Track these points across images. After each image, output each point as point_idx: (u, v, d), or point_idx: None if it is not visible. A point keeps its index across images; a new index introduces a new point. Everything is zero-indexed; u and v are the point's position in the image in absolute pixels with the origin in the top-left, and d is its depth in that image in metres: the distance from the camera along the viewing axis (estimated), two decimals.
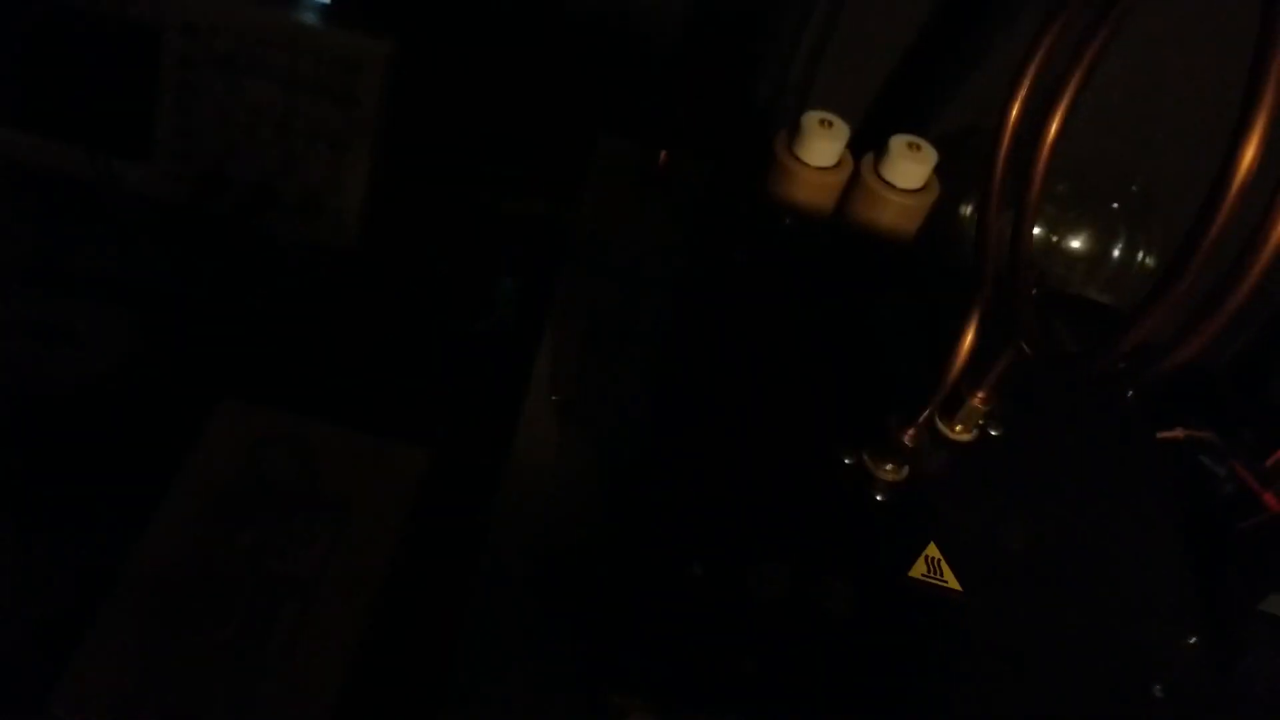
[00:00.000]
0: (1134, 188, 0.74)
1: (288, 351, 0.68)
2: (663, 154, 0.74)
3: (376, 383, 0.68)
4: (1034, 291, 0.41)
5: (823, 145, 0.70)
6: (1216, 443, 0.88)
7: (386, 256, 0.76)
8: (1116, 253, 0.73)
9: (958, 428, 0.44)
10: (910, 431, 0.40)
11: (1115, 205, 0.72)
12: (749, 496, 0.40)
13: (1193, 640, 0.41)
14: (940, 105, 0.86)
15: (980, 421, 0.44)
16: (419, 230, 0.79)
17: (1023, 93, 0.43)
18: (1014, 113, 0.43)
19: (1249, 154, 0.28)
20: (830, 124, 0.70)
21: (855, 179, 0.72)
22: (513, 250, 0.76)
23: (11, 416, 0.61)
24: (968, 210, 0.78)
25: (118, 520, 0.58)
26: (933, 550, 0.40)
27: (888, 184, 0.70)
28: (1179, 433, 0.89)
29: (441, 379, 0.68)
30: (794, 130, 0.71)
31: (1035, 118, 0.45)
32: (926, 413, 0.40)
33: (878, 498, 0.41)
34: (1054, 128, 0.42)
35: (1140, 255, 0.73)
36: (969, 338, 0.39)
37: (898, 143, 0.71)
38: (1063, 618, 0.40)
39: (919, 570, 0.40)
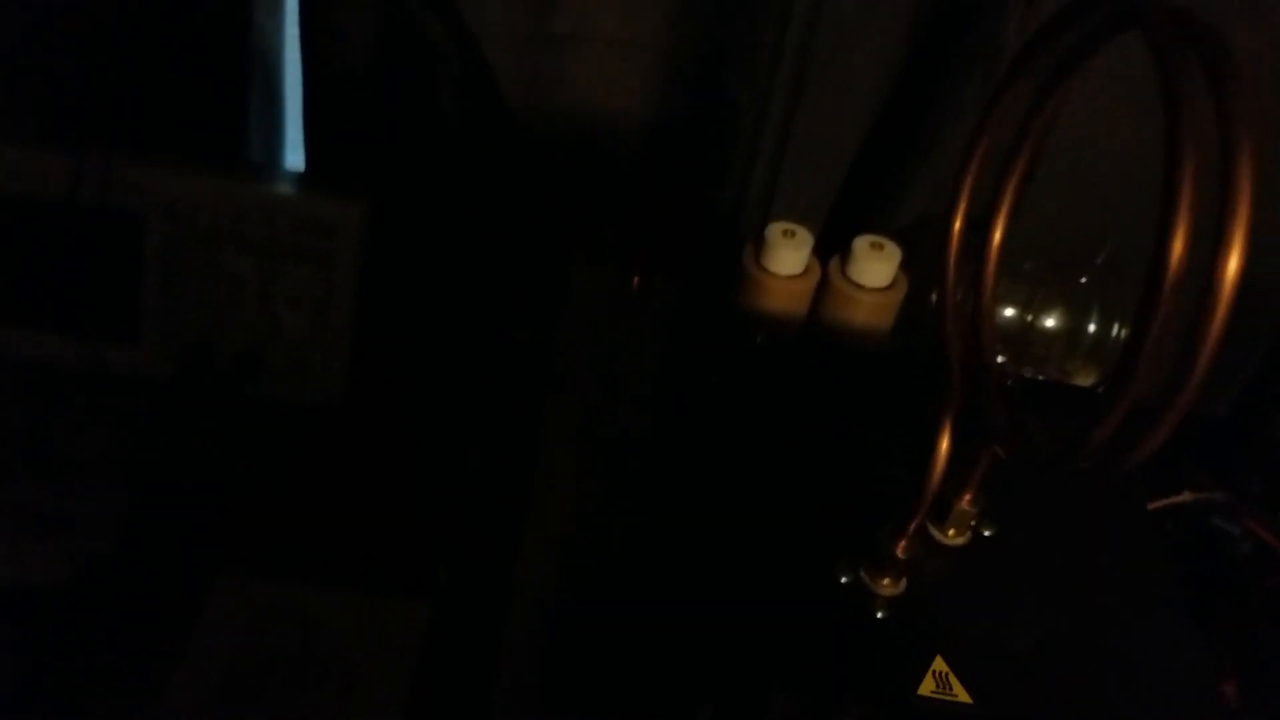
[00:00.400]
0: (1099, 260, 0.75)
1: (282, 514, 0.68)
2: (635, 279, 0.75)
3: (373, 536, 0.68)
4: (1008, 383, 0.41)
5: (788, 255, 0.71)
6: (1226, 502, 0.88)
7: (374, 407, 0.76)
8: (1092, 326, 0.74)
9: (950, 532, 0.44)
10: (902, 542, 0.40)
11: (1084, 279, 0.73)
12: (749, 627, 0.40)
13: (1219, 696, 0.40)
14: (900, 197, 0.88)
15: (972, 523, 0.44)
16: (404, 377, 0.79)
17: (970, 176, 0.43)
18: (963, 200, 0.43)
19: (1177, 250, 0.28)
20: (793, 233, 0.72)
21: (824, 283, 0.73)
22: (497, 382, 0.77)
23: (7, 611, 0.61)
24: (934, 294, 0.78)
25: (122, 710, 0.57)
26: (939, 664, 0.39)
27: (856, 285, 0.71)
28: (1186, 495, 0.88)
29: (437, 522, 0.68)
30: (759, 242, 0.72)
31: (988, 199, 0.46)
32: (915, 522, 0.40)
33: (879, 615, 0.41)
34: (1005, 208, 0.43)
35: (1115, 325, 0.74)
36: (944, 442, 0.39)
37: (861, 243, 0.72)
38: (1078, 714, 0.40)
39: (928, 687, 0.39)
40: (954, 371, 0.40)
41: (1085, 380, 0.87)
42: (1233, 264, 0.27)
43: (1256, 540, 0.86)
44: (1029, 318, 0.75)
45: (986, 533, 0.45)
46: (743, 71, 0.84)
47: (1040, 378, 0.78)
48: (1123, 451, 0.31)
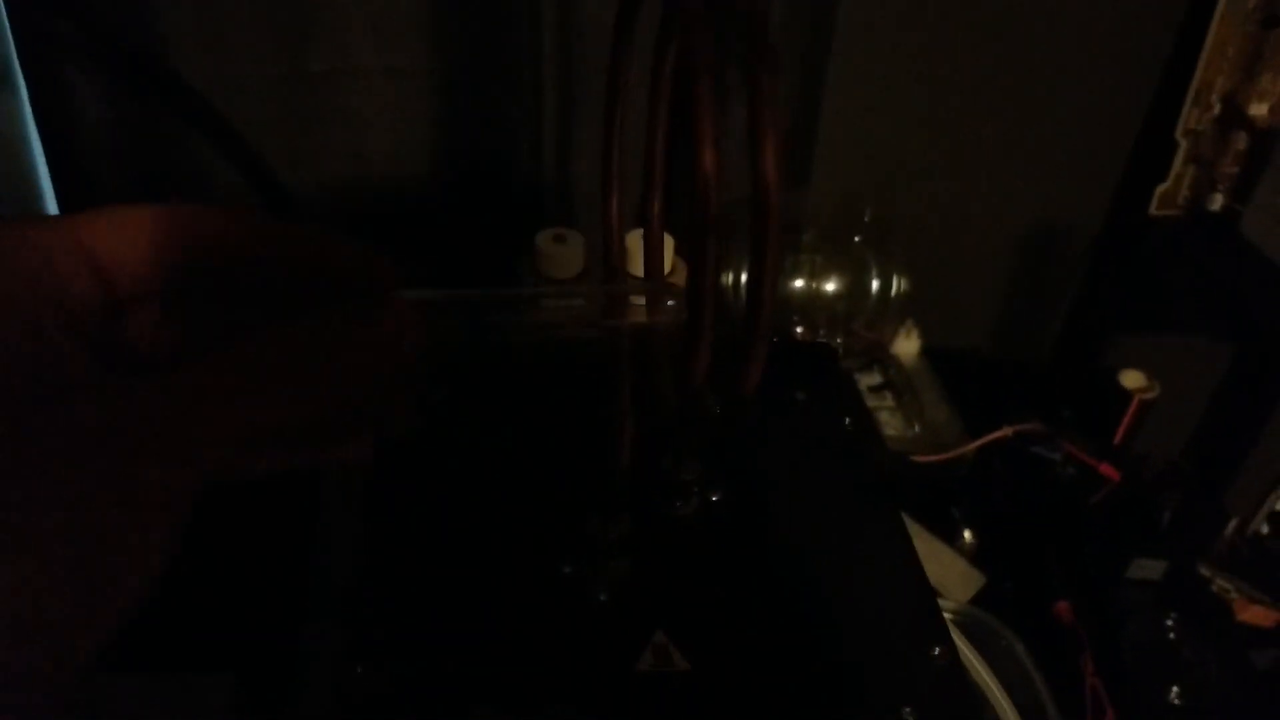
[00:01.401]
0: (865, 217, 0.76)
1: None
2: None
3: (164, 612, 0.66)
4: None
5: (561, 258, 0.72)
6: (1044, 431, 0.90)
7: None
8: (875, 282, 0.75)
9: (676, 504, 0.44)
10: (615, 525, 0.40)
11: (857, 239, 0.75)
12: (470, 641, 0.40)
13: (937, 651, 0.41)
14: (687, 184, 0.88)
15: (696, 490, 0.45)
16: None
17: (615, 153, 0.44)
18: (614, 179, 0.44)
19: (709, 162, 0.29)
20: (564, 238, 0.72)
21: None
22: None
23: None
24: (728, 278, 0.80)
25: None
26: (659, 637, 0.40)
27: (635, 277, 0.72)
28: (1006, 431, 0.91)
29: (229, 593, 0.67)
30: (533, 252, 0.73)
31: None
32: (619, 500, 0.40)
33: (601, 598, 0.41)
34: (657, 175, 0.43)
35: (894, 277, 0.76)
36: (626, 414, 0.39)
37: (633, 238, 0.72)
38: (804, 667, 0.40)
39: (645, 663, 0.39)
40: (622, 345, 0.40)
41: (886, 333, 0.89)
42: (770, 167, 0.28)
43: (1076, 463, 0.89)
44: (814, 285, 0.77)
45: (714, 497, 0.45)
46: (511, 85, 0.84)
47: (839, 340, 0.80)
48: (737, 381, 0.32)
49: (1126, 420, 1.04)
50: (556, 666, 0.39)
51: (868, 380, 0.91)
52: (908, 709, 0.38)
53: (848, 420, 0.51)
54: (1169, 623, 0.77)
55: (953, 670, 0.39)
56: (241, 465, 0.27)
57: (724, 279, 0.81)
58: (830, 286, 0.75)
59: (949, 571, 0.81)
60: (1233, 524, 1.11)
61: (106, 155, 0.78)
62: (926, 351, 0.98)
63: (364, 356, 0.26)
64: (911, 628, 0.41)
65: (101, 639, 0.22)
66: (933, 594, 0.43)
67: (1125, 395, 1.03)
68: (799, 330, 0.77)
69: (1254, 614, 0.98)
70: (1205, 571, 1.01)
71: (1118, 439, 1.03)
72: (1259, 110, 0.98)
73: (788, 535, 0.45)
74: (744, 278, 0.82)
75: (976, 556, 0.83)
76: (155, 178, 0.81)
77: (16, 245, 0.24)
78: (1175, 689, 0.73)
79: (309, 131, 0.84)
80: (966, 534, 0.84)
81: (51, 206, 0.80)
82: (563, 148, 0.87)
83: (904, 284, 0.76)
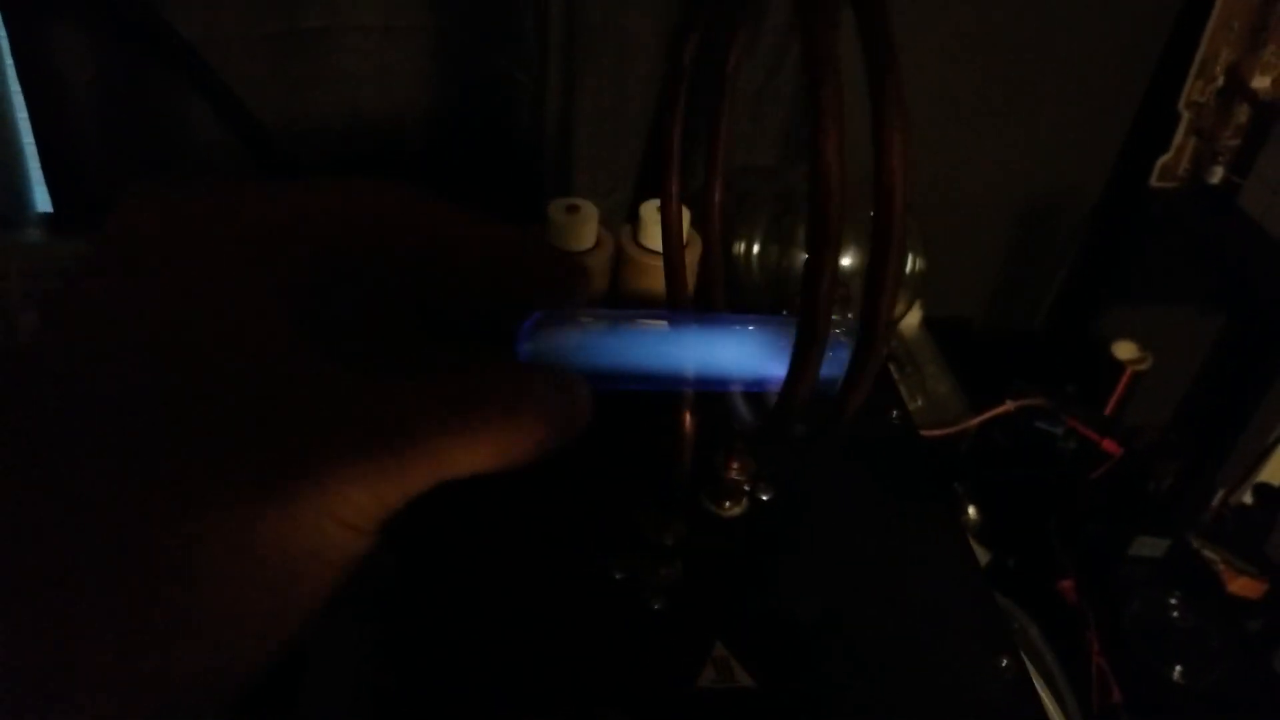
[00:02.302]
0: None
1: None
2: None
3: None
4: None
5: (574, 230, 0.69)
6: (1047, 405, 0.90)
7: None
8: None
9: (725, 504, 0.43)
10: (669, 528, 0.39)
11: (872, 213, 0.73)
12: (522, 639, 0.38)
13: (1004, 663, 0.40)
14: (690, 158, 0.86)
15: (746, 489, 0.43)
16: None
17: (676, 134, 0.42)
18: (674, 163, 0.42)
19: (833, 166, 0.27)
20: (576, 208, 0.70)
21: (620, 254, 0.71)
22: None
23: None
24: (739, 248, 0.78)
25: None
26: (719, 651, 0.38)
27: (648, 250, 0.70)
28: (1009, 405, 0.91)
29: None
30: (545, 223, 0.70)
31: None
32: (675, 505, 0.39)
33: (655, 606, 0.40)
34: (718, 164, 0.41)
35: (910, 256, 0.75)
36: (687, 418, 0.37)
37: (648, 208, 0.71)
38: (870, 678, 0.39)
39: (708, 678, 0.38)
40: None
41: (899, 309, 0.88)
42: (898, 180, 0.26)
43: (1079, 437, 0.89)
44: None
45: (764, 497, 0.44)
46: (514, 49, 0.81)
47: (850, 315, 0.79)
48: (837, 407, 0.30)
49: (1118, 391, 1.05)
50: (611, 680, 0.38)
51: None
52: None
53: (895, 414, 0.50)
54: (1171, 601, 0.78)
55: (1020, 682, 0.39)
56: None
57: (735, 249, 0.79)
58: (846, 262, 0.74)
59: None
60: (1219, 495, 1.12)
61: (94, 116, 0.74)
62: (923, 321, 0.97)
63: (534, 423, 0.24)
64: (978, 637, 0.41)
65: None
66: (995, 601, 0.42)
67: (1118, 366, 1.03)
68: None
69: (1242, 585, 1.00)
70: (1195, 543, 1.03)
71: (1109, 409, 1.04)
72: (1262, 83, 0.97)
73: (843, 537, 0.44)
74: (755, 248, 0.81)
75: (980, 532, 0.83)
76: (145, 139, 0.77)
77: (234, 204, 0.23)
78: (1178, 668, 0.74)
79: (302, 91, 0.80)
80: (971, 510, 0.83)
81: (35, 169, 0.76)
82: (565, 112, 0.84)
83: (920, 263, 0.75)
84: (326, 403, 0.20)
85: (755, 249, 0.80)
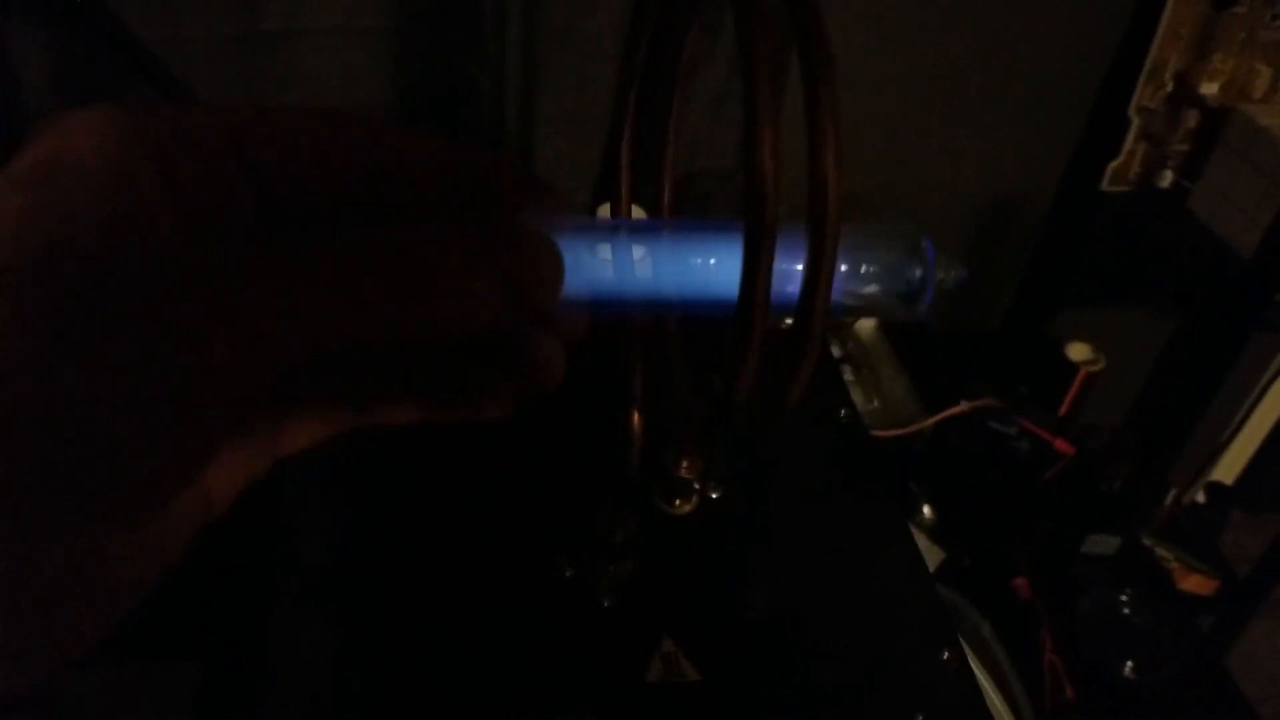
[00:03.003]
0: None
1: None
2: None
3: None
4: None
5: None
6: (1000, 406, 0.91)
7: None
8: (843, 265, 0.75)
9: (676, 502, 0.44)
10: (620, 525, 0.39)
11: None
12: (471, 639, 0.38)
13: (946, 655, 0.41)
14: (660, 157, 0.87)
15: (696, 487, 0.44)
16: None
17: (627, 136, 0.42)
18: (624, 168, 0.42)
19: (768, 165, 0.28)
20: None
21: None
22: None
23: None
24: None
25: None
26: (667, 645, 0.39)
27: None
28: (963, 406, 0.92)
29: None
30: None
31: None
32: (623, 502, 0.39)
33: (605, 603, 0.40)
34: (668, 165, 0.41)
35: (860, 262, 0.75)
36: (635, 417, 0.38)
37: (604, 213, 0.71)
38: (814, 671, 0.40)
39: (655, 673, 0.38)
40: (634, 340, 0.38)
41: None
42: (831, 173, 0.27)
43: (1031, 436, 0.90)
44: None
45: (714, 495, 0.44)
46: (475, 50, 0.81)
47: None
48: (778, 399, 0.31)
49: (1072, 392, 1.06)
50: (562, 675, 0.38)
51: None
52: (921, 715, 0.38)
53: (843, 412, 0.50)
54: (1123, 598, 0.79)
55: (963, 674, 0.39)
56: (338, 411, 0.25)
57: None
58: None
59: None
60: (1172, 493, 1.14)
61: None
62: (880, 323, 0.98)
63: (490, 283, 0.22)
64: (920, 630, 0.41)
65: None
66: (938, 595, 0.43)
67: (1072, 367, 1.05)
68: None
69: (1194, 582, 1.02)
70: (1147, 541, 1.04)
71: (1063, 410, 1.05)
72: (1210, 89, 0.99)
73: (790, 535, 0.45)
74: None
75: (936, 530, 0.84)
76: None
77: (165, 135, 0.21)
78: (1129, 664, 0.75)
79: (264, 91, 0.80)
80: (926, 509, 0.84)
81: None
82: (525, 114, 0.84)
83: (871, 268, 0.76)
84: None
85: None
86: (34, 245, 0.19)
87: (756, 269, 0.29)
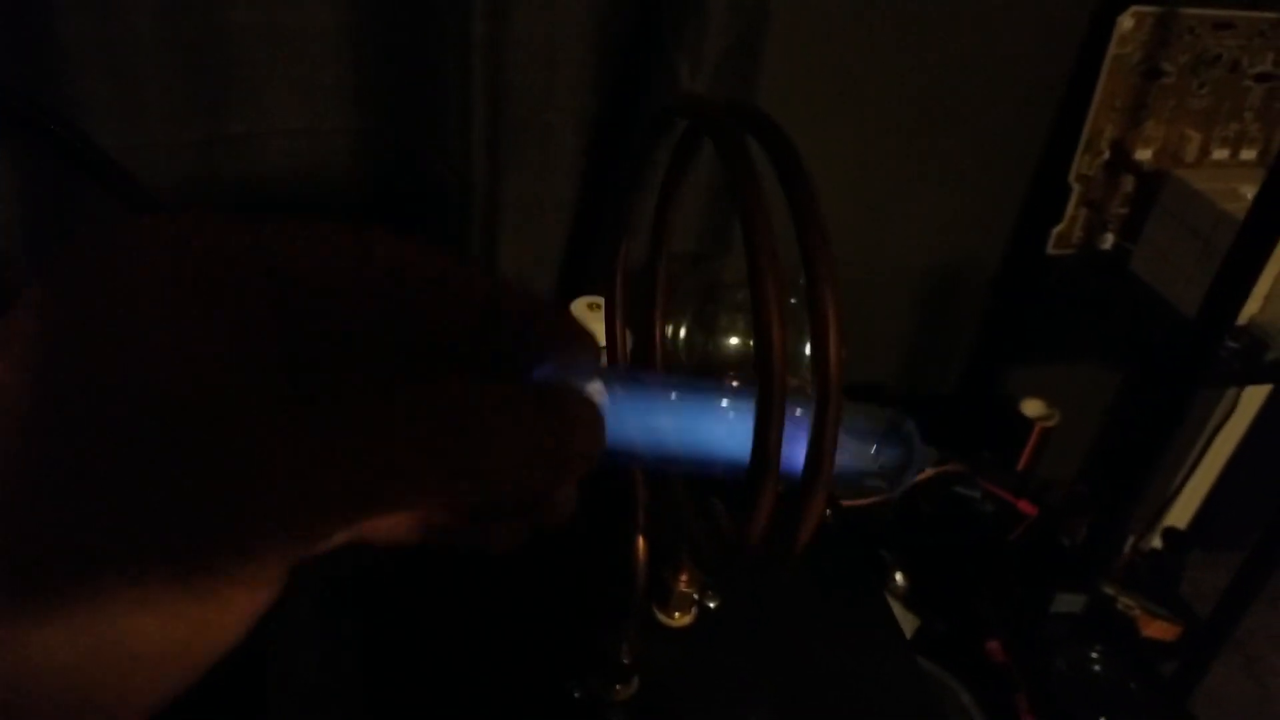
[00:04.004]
0: (800, 281, 0.78)
1: None
2: None
3: None
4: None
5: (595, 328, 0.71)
6: (963, 470, 0.94)
7: None
8: (808, 347, 0.77)
9: (675, 615, 0.45)
10: (624, 647, 0.40)
11: (793, 300, 0.76)
12: None
13: None
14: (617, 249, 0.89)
15: (695, 598, 0.45)
16: None
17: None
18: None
19: (777, 346, 0.30)
20: (598, 306, 0.71)
21: None
22: None
23: None
24: (668, 332, 0.81)
25: None
26: None
27: None
28: (929, 472, 0.95)
29: None
30: None
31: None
32: (630, 627, 0.40)
33: None
34: (661, 286, 0.43)
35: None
36: (640, 543, 0.39)
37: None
38: None
39: None
40: (636, 469, 0.40)
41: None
42: (833, 364, 0.28)
43: (995, 499, 0.93)
44: (748, 344, 0.78)
45: (712, 605, 0.46)
46: (440, 144, 0.83)
47: None
48: (790, 532, 0.32)
49: (1029, 447, 1.10)
50: None
51: None
52: None
53: (827, 511, 0.52)
54: (1093, 655, 0.82)
55: None
56: (361, 530, 0.23)
57: (665, 330, 0.82)
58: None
59: None
60: (1130, 541, 1.18)
61: (20, 226, 0.73)
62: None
63: (535, 443, 0.21)
64: (911, 714, 0.43)
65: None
66: (927, 683, 0.44)
67: (1027, 423, 1.08)
68: (734, 384, 0.78)
69: (1156, 628, 1.05)
70: (1109, 590, 1.07)
71: (1021, 465, 1.08)
72: (1145, 154, 1.04)
73: (784, 636, 0.46)
74: (683, 334, 0.83)
75: (909, 598, 0.86)
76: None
77: (196, 245, 0.20)
78: (1102, 719, 0.77)
79: (230, 194, 0.81)
80: (898, 576, 0.86)
81: None
82: (490, 203, 0.86)
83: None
84: (254, 458, 0.18)
85: (682, 334, 0.82)
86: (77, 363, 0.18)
87: (768, 430, 0.31)
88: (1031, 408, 1.10)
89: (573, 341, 0.25)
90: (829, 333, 0.30)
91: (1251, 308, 0.96)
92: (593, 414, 0.24)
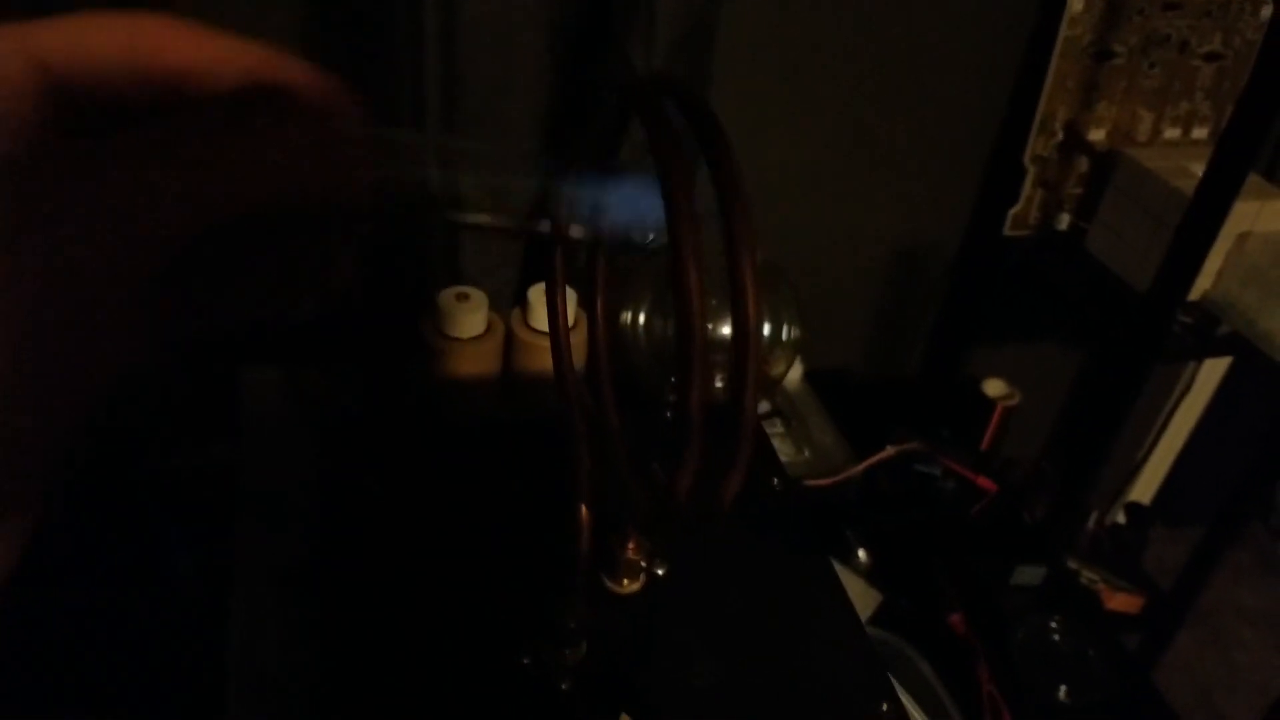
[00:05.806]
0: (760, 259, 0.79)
1: None
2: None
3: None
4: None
5: (466, 318, 0.71)
6: (924, 449, 0.95)
7: None
8: (766, 331, 0.78)
9: (624, 582, 0.46)
10: (571, 611, 0.41)
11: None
12: None
13: (885, 708, 0.43)
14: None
15: (643, 565, 0.46)
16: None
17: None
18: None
19: (697, 315, 0.30)
20: (466, 296, 0.72)
21: (511, 338, 0.74)
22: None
23: None
24: (626, 319, 0.81)
25: None
26: None
27: (539, 332, 0.72)
28: (889, 451, 0.96)
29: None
30: (435, 312, 0.72)
31: None
32: (576, 592, 0.41)
33: (563, 687, 0.42)
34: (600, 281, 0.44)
35: (784, 323, 0.79)
36: (583, 509, 0.40)
37: (536, 291, 0.73)
38: None
39: None
40: (579, 434, 0.41)
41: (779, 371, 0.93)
42: (751, 321, 0.29)
43: (956, 476, 0.94)
44: (710, 327, 0.79)
45: (660, 571, 0.47)
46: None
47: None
48: (714, 493, 0.33)
49: (992, 427, 1.11)
50: None
51: None
52: None
53: (775, 481, 0.53)
54: (1052, 625, 0.83)
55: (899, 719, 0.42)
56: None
57: (622, 319, 0.83)
58: (724, 331, 0.78)
59: (848, 591, 0.85)
60: (1093, 516, 1.19)
61: None
62: (805, 375, 1.02)
63: (308, 155, 0.22)
64: (860, 687, 0.44)
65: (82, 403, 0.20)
66: (874, 651, 0.45)
67: (989, 403, 1.09)
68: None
69: (1120, 601, 1.07)
70: (1073, 564, 1.09)
71: (985, 444, 1.10)
72: (1098, 135, 1.06)
73: (733, 604, 0.47)
74: (641, 319, 0.84)
75: (872, 574, 0.87)
76: None
77: None
78: (1063, 688, 0.79)
79: None
80: (861, 553, 0.88)
81: None
82: (450, 184, 0.87)
83: (795, 331, 0.79)
84: None
85: (641, 320, 0.83)
86: None
87: (691, 385, 0.32)
88: (993, 388, 1.11)
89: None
90: (747, 293, 0.31)
91: (1204, 283, 0.97)
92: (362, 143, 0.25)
